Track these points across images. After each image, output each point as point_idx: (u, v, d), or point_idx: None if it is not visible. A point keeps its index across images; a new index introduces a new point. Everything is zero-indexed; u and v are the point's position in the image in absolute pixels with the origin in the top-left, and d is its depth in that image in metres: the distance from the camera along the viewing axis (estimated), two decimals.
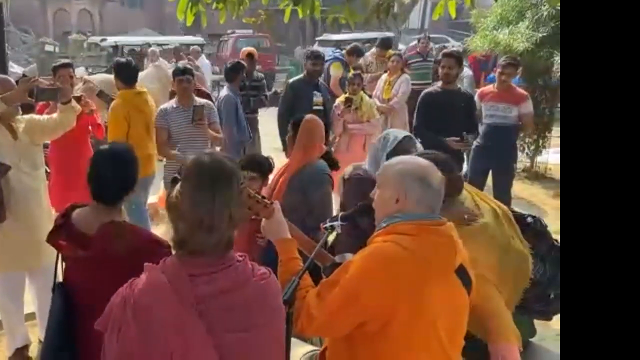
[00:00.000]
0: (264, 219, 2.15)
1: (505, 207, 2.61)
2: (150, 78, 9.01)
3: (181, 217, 1.57)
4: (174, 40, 14.83)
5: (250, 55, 6.95)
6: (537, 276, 2.46)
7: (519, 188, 7.71)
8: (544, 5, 6.90)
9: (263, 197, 2.11)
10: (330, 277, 1.94)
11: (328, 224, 2.24)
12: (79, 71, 12.39)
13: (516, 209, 2.87)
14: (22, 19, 26.03)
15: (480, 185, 5.55)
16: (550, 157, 8.17)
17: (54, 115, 3.75)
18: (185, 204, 1.56)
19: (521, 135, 7.99)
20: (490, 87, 5.70)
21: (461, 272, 1.93)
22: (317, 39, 20.26)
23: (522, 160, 8.39)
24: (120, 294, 1.57)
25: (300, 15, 3.77)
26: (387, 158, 2.58)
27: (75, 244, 2.28)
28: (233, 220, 1.57)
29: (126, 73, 4.96)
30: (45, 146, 4.43)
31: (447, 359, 1.91)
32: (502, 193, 5.49)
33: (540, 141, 8.18)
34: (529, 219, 2.62)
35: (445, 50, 5.65)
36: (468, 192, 2.55)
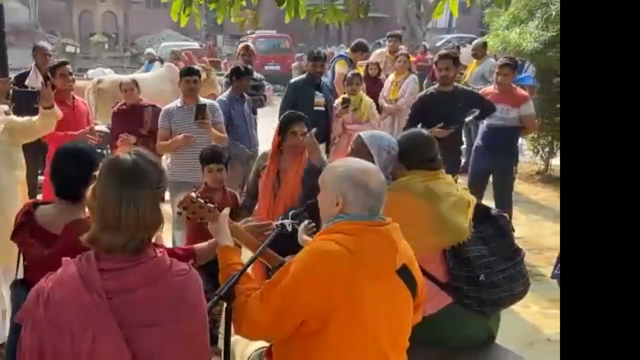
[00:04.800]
0: (209, 223, 2.19)
1: (468, 197, 2.74)
2: (163, 79, 9.08)
3: (92, 216, 1.58)
4: None
5: (246, 48, 6.64)
6: (470, 254, 2.54)
7: (531, 191, 7.59)
8: (554, 4, 6.75)
9: (206, 202, 2.14)
10: (272, 277, 1.94)
11: (279, 222, 2.23)
12: (97, 72, 12.62)
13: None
14: (49, 21, 26.60)
15: (481, 187, 5.50)
16: None
17: (34, 118, 3.77)
18: (95, 204, 1.58)
19: (535, 137, 7.90)
20: (490, 88, 5.60)
21: (404, 272, 1.93)
22: None
23: (537, 163, 8.25)
24: (36, 287, 1.59)
25: (287, 19, 3.74)
26: None
27: (40, 243, 2.27)
28: (143, 224, 1.56)
29: None
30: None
31: None
32: (502, 195, 5.42)
33: (555, 143, 8.02)
34: (493, 212, 2.78)
35: (441, 52, 5.55)
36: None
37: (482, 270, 2.51)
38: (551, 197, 7.30)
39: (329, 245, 1.86)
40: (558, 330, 3.95)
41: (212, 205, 2.21)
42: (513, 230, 2.75)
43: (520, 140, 6.69)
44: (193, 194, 2.20)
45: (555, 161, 8.08)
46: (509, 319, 3.53)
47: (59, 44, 24.11)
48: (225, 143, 4.84)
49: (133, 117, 5.19)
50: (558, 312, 4.22)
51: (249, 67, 5.83)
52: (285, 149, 3.60)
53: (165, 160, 5.16)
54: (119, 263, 1.56)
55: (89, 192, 1.62)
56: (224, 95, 5.55)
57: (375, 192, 1.94)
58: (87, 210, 2.39)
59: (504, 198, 5.38)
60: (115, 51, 26.46)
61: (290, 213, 2.25)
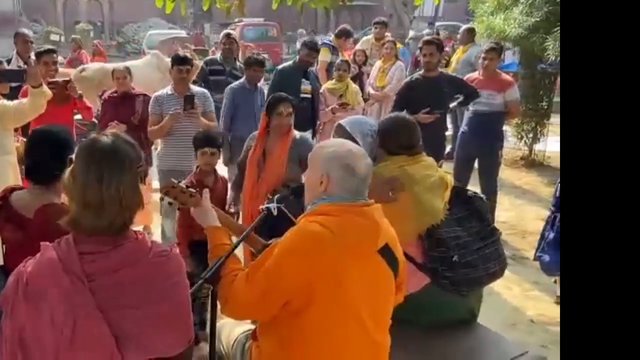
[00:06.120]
0: (192, 208, 2.19)
1: (447, 178, 2.80)
2: (151, 67, 9.02)
3: (72, 198, 1.57)
4: None
5: (227, 36, 6.38)
6: (445, 235, 2.60)
7: (515, 176, 7.68)
8: None
9: (188, 187, 2.15)
10: (258, 259, 1.97)
11: (264, 206, 2.26)
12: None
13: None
14: (33, 9, 26.23)
15: (467, 173, 5.56)
16: (549, 145, 8.11)
17: (24, 100, 3.75)
18: (74, 185, 1.56)
19: (518, 123, 7.99)
20: (475, 74, 5.63)
21: (386, 251, 1.96)
22: None
23: (521, 149, 8.34)
24: (14, 273, 1.58)
25: (274, 5, 3.76)
26: None
27: (15, 227, 2.27)
28: (125, 204, 1.57)
29: None
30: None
31: (370, 341, 1.94)
32: (488, 180, 5.46)
33: (539, 129, 8.11)
34: (470, 193, 2.85)
35: (425, 38, 5.57)
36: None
37: (456, 251, 2.56)
38: (534, 182, 7.40)
39: (312, 227, 1.88)
40: (540, 312, 4.04)
41: (193, 190, 2.21)
42: (490, 210, 2.80)
43: (504, 126, 6.76)
44: (174, 180, 2.19)
45: (539, 147, 8.18)
46: (492, 300, 3.61)
47: (43, 32, 23.83)
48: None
49: (124, 105, 5.13)
50: (540, 293, 4.32)
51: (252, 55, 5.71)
52: (272, 130, 3.73)
53: (155, 150, 5.17)
54: (99, 246, 1.56)
55: (66, 174, 1.60)
56: (236, 83, 5.44)
57: (361, 175, 1.96)
58: (61, 194, 2.39)
59: (490, 183, 5.44)
60: (101, 39, 26.21)
61: (276, 197, 2.28)
